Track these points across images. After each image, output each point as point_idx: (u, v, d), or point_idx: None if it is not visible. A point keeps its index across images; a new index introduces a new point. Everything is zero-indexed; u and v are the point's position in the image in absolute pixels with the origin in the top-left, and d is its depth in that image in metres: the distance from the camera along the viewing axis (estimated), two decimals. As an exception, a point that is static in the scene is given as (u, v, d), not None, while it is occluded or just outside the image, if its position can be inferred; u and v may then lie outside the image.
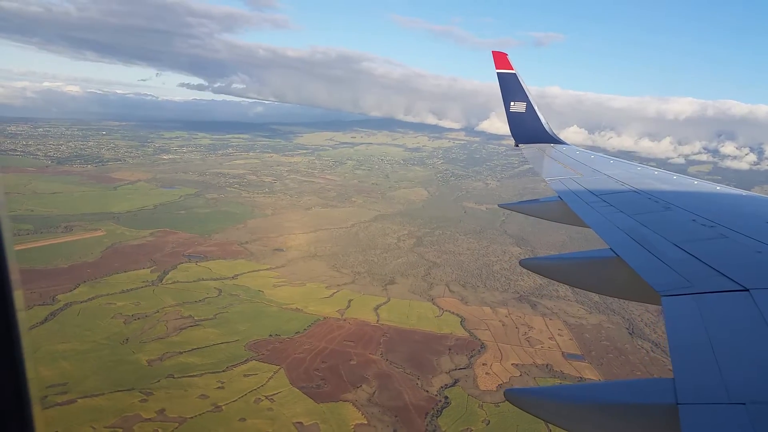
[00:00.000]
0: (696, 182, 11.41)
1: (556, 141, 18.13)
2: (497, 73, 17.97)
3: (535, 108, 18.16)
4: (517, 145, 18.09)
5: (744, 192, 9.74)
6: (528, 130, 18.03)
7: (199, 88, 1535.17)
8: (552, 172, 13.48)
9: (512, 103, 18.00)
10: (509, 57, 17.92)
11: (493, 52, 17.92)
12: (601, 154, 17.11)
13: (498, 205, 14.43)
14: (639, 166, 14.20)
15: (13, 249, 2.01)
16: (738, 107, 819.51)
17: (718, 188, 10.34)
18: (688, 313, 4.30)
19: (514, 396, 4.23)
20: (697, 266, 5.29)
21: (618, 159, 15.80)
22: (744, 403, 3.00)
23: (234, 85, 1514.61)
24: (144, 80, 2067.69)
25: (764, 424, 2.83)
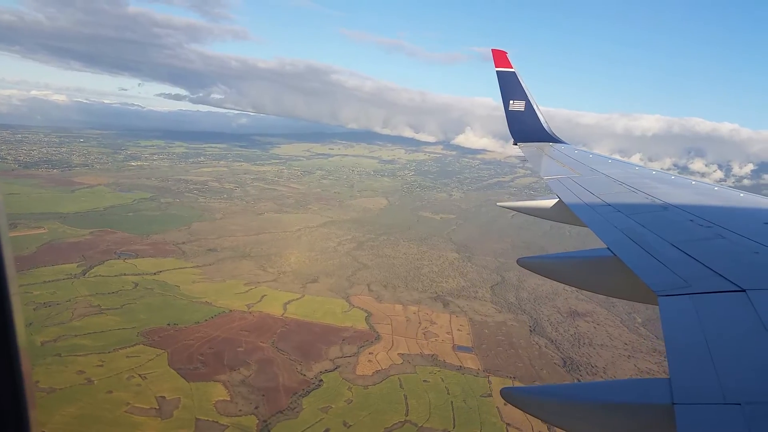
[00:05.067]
0: (694, 182, 11.38)
1: (555, 140, 18.11)
2: (497, 71, 17.82)
3: (535, 107, 18.12)
4: (516, 144, 18.08)
5: (742, 193, 9.65)
6: (527, 128, 18.02)
7: (176, 98, 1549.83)
8: (550, 170, 13.51)
9: (511, 102, 17.92)
10: (509, 55, 17.94)
11: (493, 50, 17.88)
12: (599, 154, 17.63)
13: (496, 204, 15.06)
14: (637, 166, 14.24)
15: (9, 243, 1.97)
16: (702, 124, 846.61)
17: (716, 188, 10.34)
18: (685, 313, 4.30)
19: (509, 394, 4.23)
20: (694, 266, 5.30)
21: (616, 158, 15.98)
22: (739, 404, 3.02)
23: (213, 96, 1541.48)
24: (125, 90, 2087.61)
25: (759, 424, 2.85)
